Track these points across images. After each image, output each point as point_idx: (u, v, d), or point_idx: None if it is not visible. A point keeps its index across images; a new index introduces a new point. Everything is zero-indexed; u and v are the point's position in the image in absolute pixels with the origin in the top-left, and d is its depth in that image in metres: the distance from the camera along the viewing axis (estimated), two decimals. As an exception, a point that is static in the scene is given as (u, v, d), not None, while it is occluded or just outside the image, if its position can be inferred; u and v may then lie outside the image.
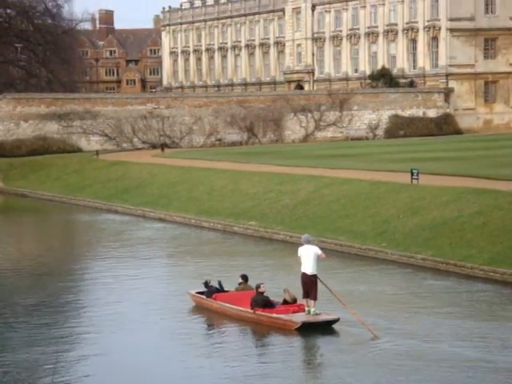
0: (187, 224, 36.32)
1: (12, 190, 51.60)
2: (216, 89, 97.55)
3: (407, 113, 68.89)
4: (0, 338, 19.05)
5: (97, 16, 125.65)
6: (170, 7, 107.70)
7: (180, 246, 31.80)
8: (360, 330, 18.39)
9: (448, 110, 70.58)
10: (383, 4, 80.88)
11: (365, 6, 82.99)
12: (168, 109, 62.93)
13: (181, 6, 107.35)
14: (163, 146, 59.45)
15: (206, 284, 20.95)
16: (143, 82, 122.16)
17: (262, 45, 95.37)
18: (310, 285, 19.04)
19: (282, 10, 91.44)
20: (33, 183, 51.16)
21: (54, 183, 50.08)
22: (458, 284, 23.43)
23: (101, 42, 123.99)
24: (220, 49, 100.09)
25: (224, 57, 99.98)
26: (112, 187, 45.55)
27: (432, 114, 69.70)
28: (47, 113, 59.54)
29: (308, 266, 19.17)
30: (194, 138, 63.31)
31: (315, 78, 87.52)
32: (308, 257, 19.26)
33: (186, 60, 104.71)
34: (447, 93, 71.67)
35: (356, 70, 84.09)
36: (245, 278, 20.87)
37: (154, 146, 60.76)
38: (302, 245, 19.70)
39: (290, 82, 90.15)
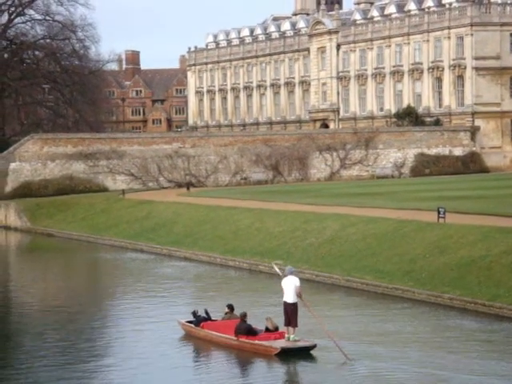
0: (213, 263, 36.24)
1: (39, 229, 51.82)
2: (241, 128, 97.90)
3: (433, 151, 68.69)
4: (26, 375, 19.08)
5: (123, 56, 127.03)
6: (195, 47, 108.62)
7: (205, 284, 31.73)
8: (336, 355, 19.41)
9: (474, 149, 70.29)
10: (408, 43, 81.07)
11: (390, 45, 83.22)
12: (194, 148, 63.19)
13: (206, 46, 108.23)
14: (189, 185, 59.58)
15: (195, 314, 22.23)
16: (169, 121, 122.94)
17: (287, 84, 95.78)
18: (290, 313, 20.20)
19: (307, 50, 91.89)
20: (59, 223, 51.37)
21: (81, 223, 50.25)
22: (488, 324, 23.11)
23: (127, 82, 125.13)
24: (245, 88, 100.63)
25: (249, 96, 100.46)
26: (138, 226, 45.62)
27: (458, 152, 69.45)
28: (74, 153, 59.96)
29: (289, 296, 20.36)
30: (220, 176, 63.43)
31: (340, 117, 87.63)
32: (289, 287, 20.39)
33: (212, 99, 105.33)
34: (473, 131, 71.43)
35: (381, 109, 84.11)
36: (230, 307, 22.08)
37: (179, 185, 60.92)
38: (286, 276, 20.66)
39: (315, 120, 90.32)
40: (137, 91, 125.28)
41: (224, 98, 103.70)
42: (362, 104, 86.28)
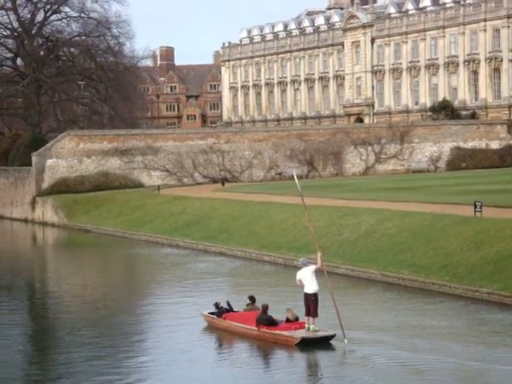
0: (248, 258, 36.26)
1: (75, 225, 52.20)
2: (275, 123, 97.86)
3: (469, 145, 68.11)
4: (63, 370, 19.26)
5: (158, 53, 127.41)
6: (229, 43, 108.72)
7: (239, 279, 31.81)
8: (355, 345, 19.91)
9: (511, 142, 69.56)
10: (443, 36, 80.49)
11: (425, 39, 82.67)
12: (228, 143, 63.24)
13: (240, 41, 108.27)
14: (223, 181, 59.64)
15: (217, 305, 22.72)
16: (203, 117, 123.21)
17: (321, 78, 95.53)
18: (311, 303, 20.63)
19: (342, 44, 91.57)
20: (95, 219, 51.69)
21: (116, 219, 50.52)
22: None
23: (162, 79, 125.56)
24: (279, 83, 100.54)
25: (283, 91, 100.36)
26: (173, 222, 45.76)
27: (495, 145, 68.78)
28: (109, 149, 60.28)
29: (309, 286, 20.78)
30: (254, 172, 63.43)
31: (375, 111, 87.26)
32: (307, 277, 20.84)
33: (246, 95, 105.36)
34: (510, 124, 70.66)
35: (416, 103, 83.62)
36: (252, 298, 22.56)
37: (214, 181, 61.01)
38: (301, 268, 21.25)
39: (349, 115, 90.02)
40: (171, 87, 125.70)
41: (258, 94, 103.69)
42: (396, 98, 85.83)
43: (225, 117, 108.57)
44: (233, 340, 21.57)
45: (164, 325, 23.80)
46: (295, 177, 23.30)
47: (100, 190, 57.15)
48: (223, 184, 58.36)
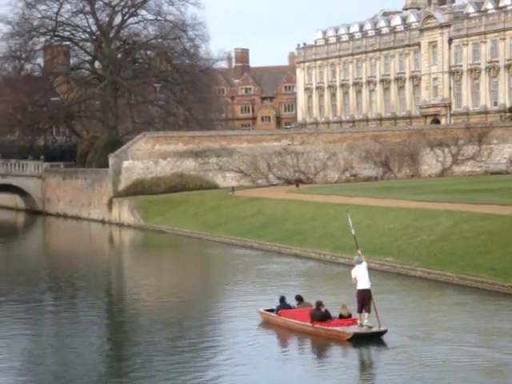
0: (322, 260, 36.06)
1: (151, 226, 52.64)
2: (350, 124, 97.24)
3: (550, 146, 66.48)
4: (140, 369, 19.39)
5: (233, 55, 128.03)
6: (304, 44, 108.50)
7: (313, 280, 31.73)
8: (404, 339, 20.71)
9: None
10: (523, 35, 78.87)
11: (504, 38, 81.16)
12: (302, 145, 63.04)
13: (315, 42, 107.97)
14: (298, 182, 59.46)
15: (282, 299, 23.57)
16: (278, 118, 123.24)
17: (397, 79, 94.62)
18: (365, 299, 21.25)
19: (418, 44, 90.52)
20: (171, 220, 52.04)
21: (192, 220, 50.77)
22: None
23: (236, 80, 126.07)
24: (354, 84, 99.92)
25: (359, 92, 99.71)
26: (248, 223, 45.78)
27: None
28: (185, 150, 60.68)
29: (363, 282, 21.44)
30: (329, 173, 63.07)
31: (452, 112, 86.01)
32: (362, 274, 21.50)
33: (321, 96, 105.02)
34: None
35: (495, 103, 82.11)
36: (299, 298, 23.51)
37: (288, 182, 60.88)
38: (354, 266, 21.88)
39: (425, 116, 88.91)
40: (246, 89, 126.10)
41: (333, 95, 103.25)
42: (474, 99, 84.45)
43: (299, 118, 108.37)
44: (292, 337, 22.14)
45: (235, 323, 23.85)
46: (349, 217, 23.73)
47: (175, 192, 57.56)
48: (297, 185, 58.17)
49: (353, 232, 22.82)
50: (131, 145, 60.61)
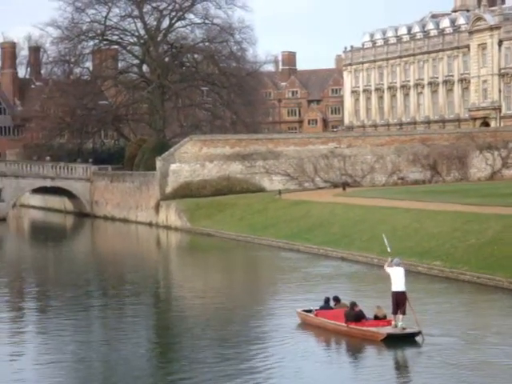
0: (369, 263, 35.81)
1: (198, 229, 52.74)
2: (398, 127, 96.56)
3: None
4: (186, 372, 19.39)
5: (280, 58, 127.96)
6: (351, 47, 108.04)
7: (360, 283, 31.62)
8: (438, 339, 20.80)
9: None
10: None
11: (554, 39, 79.97)
12: (349, 148, 62.76)
13: (363, 45, 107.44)
14: (345, 185, 59.19)
15: (327, 300, 24.01)
16: (325, 121, 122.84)
17: (445, 82, 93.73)
18: (399, 301, 21.44)
19: (467, 47, 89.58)
20: (217, 223, 52.10)
21: (238, 223, 50.76)
22: None
23: (283, 83, 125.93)
24: (402, 87, 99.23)
25: (406, 95, 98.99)
26: (294, 226, 45.66)
27: None
28: (231, 153, 60.75)
29: (398, 285, 21.71)
30: (376, 176, 62.70)
31: (502, 115, 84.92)
32: (398, 276, 21.80)
33: (368, 99, 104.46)
34: None
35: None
36: (337, 299, 23.95)
37: (335, 185, 60.62)
38: (392, 267, 22.12)
39: (475, 119, 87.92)
40: (293, 92, 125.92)
41: (380, 97, 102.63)
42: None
43: (346, 121, 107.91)
44: (328, 337, 22.52)
45: (281, 326, 23.76)
46: (385, 239, 24.31)
47: (222, 195, 57.63)
48: (344, 188, 57.90)
49: (388, 250, 23.44)
50: (178, 148, 60.85)
